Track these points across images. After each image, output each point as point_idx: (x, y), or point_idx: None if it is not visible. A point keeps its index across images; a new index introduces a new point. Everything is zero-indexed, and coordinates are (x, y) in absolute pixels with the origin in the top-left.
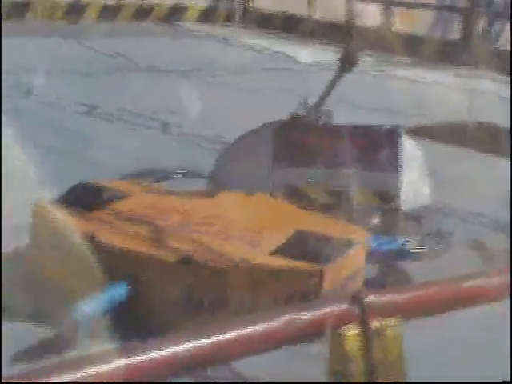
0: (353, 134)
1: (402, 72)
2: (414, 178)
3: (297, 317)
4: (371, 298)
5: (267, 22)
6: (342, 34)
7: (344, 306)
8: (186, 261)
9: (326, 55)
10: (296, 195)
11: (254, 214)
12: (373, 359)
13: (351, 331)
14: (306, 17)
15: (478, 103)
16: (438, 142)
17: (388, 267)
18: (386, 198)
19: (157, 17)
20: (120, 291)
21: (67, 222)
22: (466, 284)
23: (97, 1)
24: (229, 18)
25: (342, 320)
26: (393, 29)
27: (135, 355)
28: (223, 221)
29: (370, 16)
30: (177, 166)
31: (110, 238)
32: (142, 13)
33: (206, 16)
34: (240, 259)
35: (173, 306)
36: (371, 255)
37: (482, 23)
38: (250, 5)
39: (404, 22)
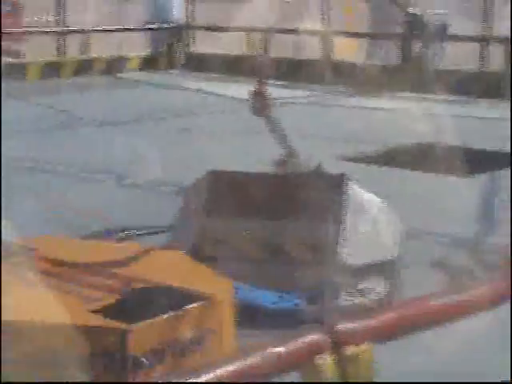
0: (294, 183)
1: (346, 101)
2: (365, 230)
3: (273, 350)
4: (343, 326)
5: (206, 65)
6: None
7: (317, 336)
8: None
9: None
10: (227, 249)
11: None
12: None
13: (325, 360)
14: (244, 57)
15: (425, 125)
16: (390, 167)
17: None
18: (327, 252)
19: (98, 70)
20: None
21: None
22: (435, 302)
23: (37, 60)
24: (170, 65)
25: (316, 350)
26: (333, 59)
27: None
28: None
29: (310, 48)
30: (134, 220)
31: None
32: (84, 67)
33: (148, 64)
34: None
35: None
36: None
37: (418, 47)
38: (190, 50)
39: (343, 51)
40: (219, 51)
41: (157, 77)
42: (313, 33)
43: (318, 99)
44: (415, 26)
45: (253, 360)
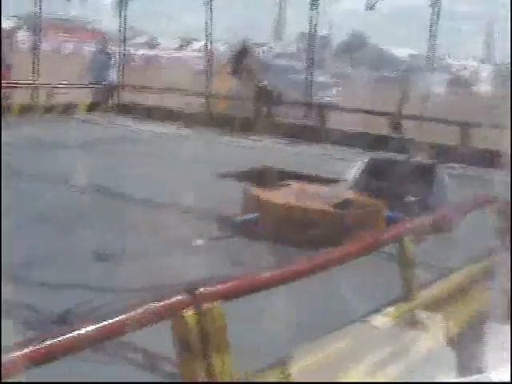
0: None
1: (217, 138)
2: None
3: (152, 305)
4: (201, 290)
5: (130, 110)
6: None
7: (182, 296)
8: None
9: (166, 129)
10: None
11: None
12: (205, 329)
13: (188, 312)
14: (156, 106)
15: (265, 155)
16: (242, 181)
17: None
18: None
19: (59, 111)
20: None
21: None
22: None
23: (18, 102)
24: (106, 109)
25: (182, 305)
26: (211, 112)
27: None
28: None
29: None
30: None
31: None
32: (49, 109)
33: (91, 108)
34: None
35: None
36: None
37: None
38: (119, 100)
39: (217, 106)
40: (139, 102)
41: (97, 118)
42: (199, 94)
43: (200, 137)
44: (262, 94)
45: (136, 312)
